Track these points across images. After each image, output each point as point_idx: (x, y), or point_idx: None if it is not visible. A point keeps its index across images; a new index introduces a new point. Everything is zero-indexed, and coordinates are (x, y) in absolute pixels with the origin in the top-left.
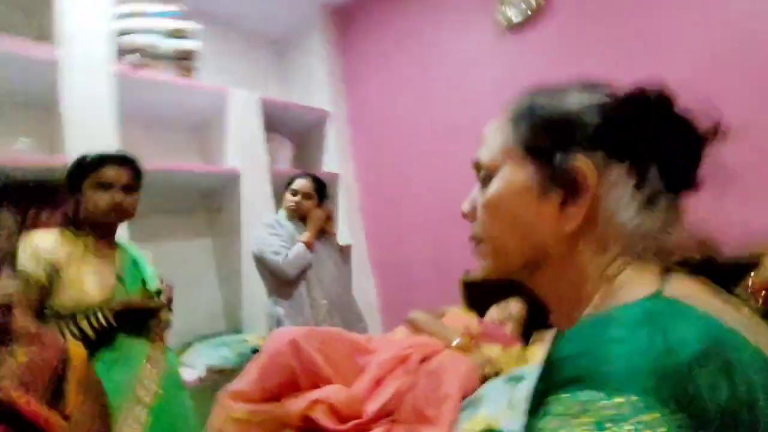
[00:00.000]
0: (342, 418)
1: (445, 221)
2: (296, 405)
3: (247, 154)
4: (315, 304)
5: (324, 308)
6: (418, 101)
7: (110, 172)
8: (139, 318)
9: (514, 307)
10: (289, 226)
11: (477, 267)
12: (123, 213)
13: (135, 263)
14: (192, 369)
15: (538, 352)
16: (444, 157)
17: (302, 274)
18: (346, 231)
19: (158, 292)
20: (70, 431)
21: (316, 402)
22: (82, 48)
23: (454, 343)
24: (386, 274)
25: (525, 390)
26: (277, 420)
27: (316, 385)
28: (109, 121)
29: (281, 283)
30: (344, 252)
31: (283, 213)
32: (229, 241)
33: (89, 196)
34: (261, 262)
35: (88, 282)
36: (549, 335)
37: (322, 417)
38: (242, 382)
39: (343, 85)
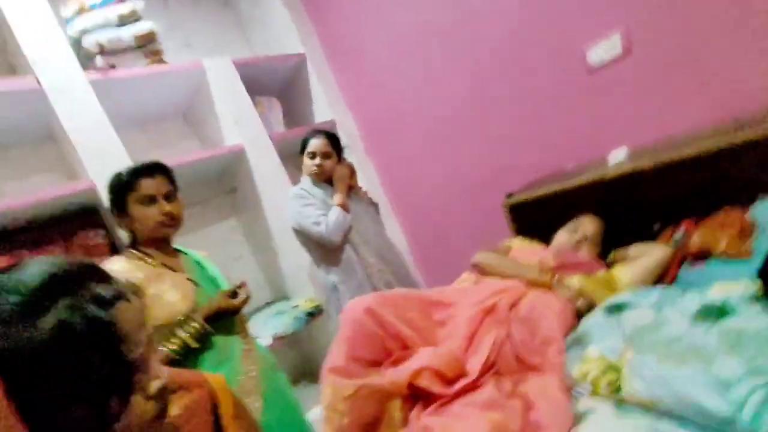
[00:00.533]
0: (448, 381)
1: (459, 144)
2: (399, 375)
3: (243, 127)
4: (366, 263)
5: (375, 266)
6: (394, 15)
7: (148, 185)
8: (226, 317)
9: (587, 225)
10: (318, 192)
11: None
12: (175, 221)
13: (199, 265)
14: (260, 339)
15: (625, 273)
16: (439, 70)
17: (345, 237)
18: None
19: (233, 291)
20: None
21: (419, 370)
22: (54, 67)
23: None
24: (410, 217)
25: (638, 320)
26: (385, 392)
27: (405, 348)
28: (106, 131)
29: (328, 251)
30: (374, 203)
31: (307, 179)
32: (253, 217)
33: (138, 214)
34: (303, 235)
35: (171, 295)
36: (633, 251)
37: (429, 383)
38: (335, 359)
39: (310, 24)
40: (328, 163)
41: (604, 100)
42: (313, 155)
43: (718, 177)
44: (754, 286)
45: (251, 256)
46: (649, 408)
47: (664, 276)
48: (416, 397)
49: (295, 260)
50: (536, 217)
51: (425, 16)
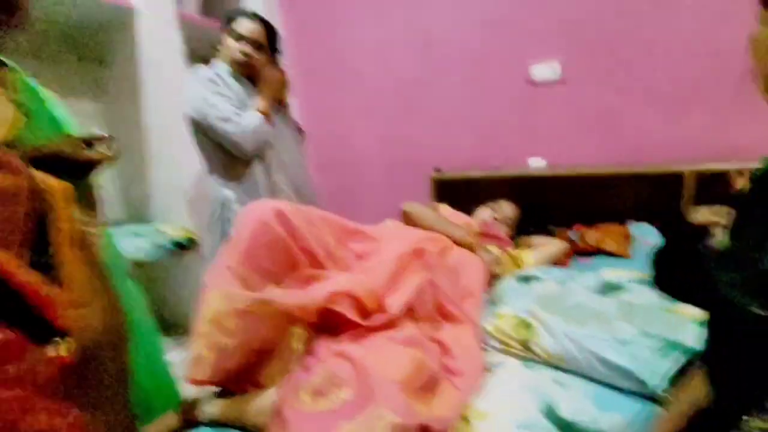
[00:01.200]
0: (365, 313)
1: (396, 113)
2: (310, 296)
3: None
4: (276, 189)
5: (286, 197)
6: None
7: None
8: (70, 173)
9: (507, 209)
10: (235, 85)
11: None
12: (10, 6)
13: (35, 94)
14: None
15: (530, 255)
16: (395, 43)
17: (260, 152)
18: None
19: (88, 142)
20: (71, 305)
21: (337, 294)
22: None
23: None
24: (323, 170)
25: (546, 290)
26: (288, 314)
27: (314, 266)
28: None
29: (229, 159)
30: (301, 130)
31: (224, 65)
32: (123, 105)
33: None
34: (202, 129)
35: None
36: (537, 240)
37: (347, 310)
38: (229, 260)
39: None
40: (258, 57)
41: (536, 112)
42: (240, 38)
43: (602, 197)
44: (640, 274)
45: None
46: (555, 363)
47: (558, 265)
48: (321, 328)
49: (170, 175)
50: (455, 197)
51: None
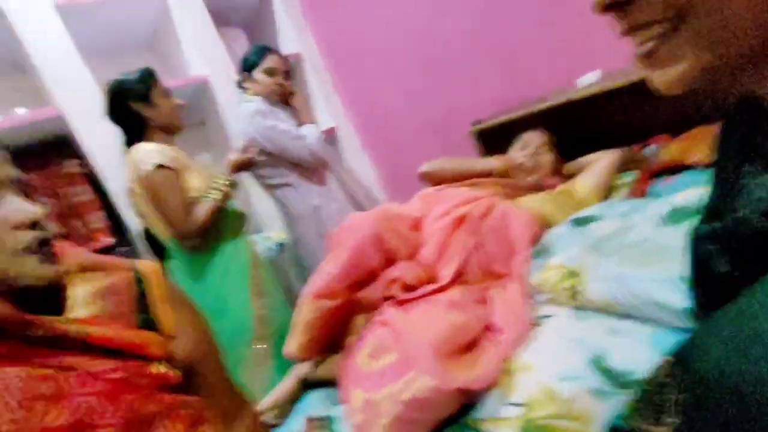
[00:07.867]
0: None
1: (424, 76)
2: (374, 291)
3: (208, 59)
4: (346, 186)
5: (354, 187)
6: None
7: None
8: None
9: (534, 138)
10: (280, 113)
11: (657, 77)
12: None
13: None
14: None
15: (580, 185)
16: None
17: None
18: (324, 114)
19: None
20: (161, 341)
21: (392, 281)
22: None
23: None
24: (379, 152)
25: (604, 230)
26: (358, 304)
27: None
28: (74, 58)
29: (305, 171)
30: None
31: (259, 99)
32: (222, 152)
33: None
34: (274, 154)
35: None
36: (590, 158)
37: (398, 292)
38: (325, 280)
39: None
40: (288, 84)
41: (576, 22)
42: (272, 72)
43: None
44: None
45: None
46: (607, 309)
47: (633, 193)
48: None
49: (263, 194)
50: (504, 144)
51: None
